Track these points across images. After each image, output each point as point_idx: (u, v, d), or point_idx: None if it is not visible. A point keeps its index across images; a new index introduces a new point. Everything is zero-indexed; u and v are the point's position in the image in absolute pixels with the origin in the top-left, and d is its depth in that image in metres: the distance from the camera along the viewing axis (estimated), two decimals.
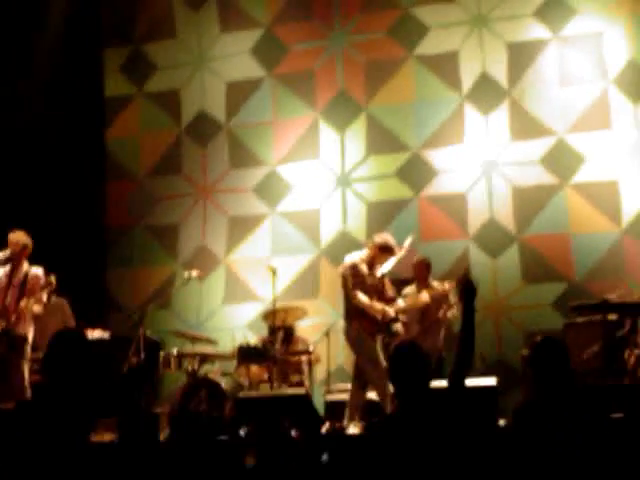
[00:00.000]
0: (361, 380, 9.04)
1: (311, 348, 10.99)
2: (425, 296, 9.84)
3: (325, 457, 6.68)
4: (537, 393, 5.44)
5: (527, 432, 5.26)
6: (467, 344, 5.36)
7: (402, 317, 9.43)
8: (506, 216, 11.99)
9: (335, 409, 9.71)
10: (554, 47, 12.17)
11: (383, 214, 12.33)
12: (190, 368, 10.69)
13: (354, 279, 8.97)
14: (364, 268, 9.07)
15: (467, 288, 5.48)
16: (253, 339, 11.25)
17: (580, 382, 8.80)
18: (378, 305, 8.98)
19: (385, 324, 8.99)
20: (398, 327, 9.20)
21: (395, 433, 5.05)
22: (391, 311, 9.02)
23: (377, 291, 9.14)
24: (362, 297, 8.90)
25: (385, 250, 9.08)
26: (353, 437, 8.39)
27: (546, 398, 5.31)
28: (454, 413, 5.12)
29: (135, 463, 6.18)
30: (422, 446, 4.95)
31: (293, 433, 8.53)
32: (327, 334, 11.00)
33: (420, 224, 12.15)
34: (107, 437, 7.03)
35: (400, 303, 9.36)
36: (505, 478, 5.04)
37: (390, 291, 9.34)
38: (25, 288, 8.95)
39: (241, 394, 9.67)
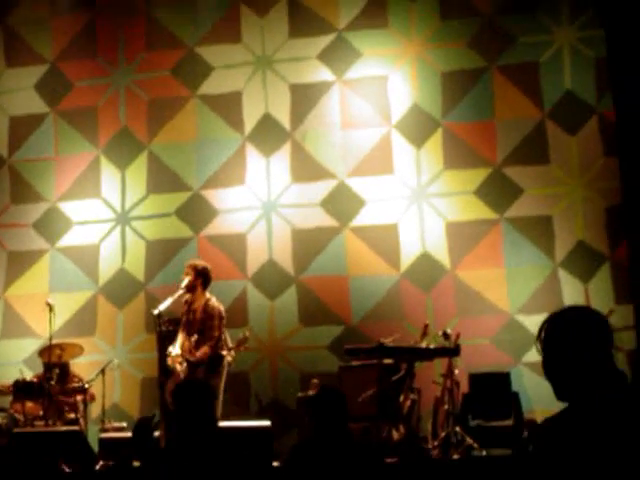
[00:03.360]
0: None
1: (86, 386, 10.88)
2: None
3: None
4: (314, 433, 5.58)
5: (304, 469, 5.38)
6: None
7: None
8: (285, 257, 12.00)
9: (110, 447, 9.63)
10: (337, 90, 12.23)
11: (162, 253, 12.25)
12: None
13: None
14: None
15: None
16: (29, 375, 11.24)
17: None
18: None
19: None
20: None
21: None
22: None
23: None
24: None
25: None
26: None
27: (322, 438, 5.45)
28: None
29: None
30: None
31: (66, 469, 8.58)
32: (103, 372, 10.93)
33: None
34: None
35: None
36: None
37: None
38: None
39: (16, 429, 9.91)
